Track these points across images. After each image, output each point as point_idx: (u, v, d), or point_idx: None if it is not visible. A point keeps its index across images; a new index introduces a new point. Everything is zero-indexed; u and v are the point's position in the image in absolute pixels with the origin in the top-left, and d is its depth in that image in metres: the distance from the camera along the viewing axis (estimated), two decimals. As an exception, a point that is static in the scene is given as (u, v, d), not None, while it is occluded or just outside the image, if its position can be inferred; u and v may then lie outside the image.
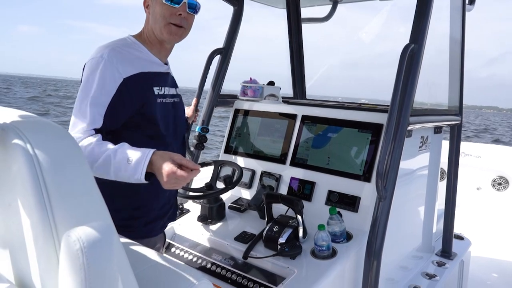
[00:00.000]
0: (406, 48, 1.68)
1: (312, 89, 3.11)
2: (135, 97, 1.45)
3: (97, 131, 1.39)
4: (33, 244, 0.75)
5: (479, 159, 4.47)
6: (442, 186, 2.46)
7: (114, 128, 1.44)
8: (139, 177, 1.24)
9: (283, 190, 2.13)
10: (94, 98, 1.39)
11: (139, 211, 1.55)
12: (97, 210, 0.78)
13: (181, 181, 1.23)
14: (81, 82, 1.44)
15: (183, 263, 1.84)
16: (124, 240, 1.07)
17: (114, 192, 1.48)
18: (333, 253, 1.67)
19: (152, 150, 1.27)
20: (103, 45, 1.47)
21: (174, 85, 1.68)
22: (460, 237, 2.71)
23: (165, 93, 1.57)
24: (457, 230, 2.70)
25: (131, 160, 1.25)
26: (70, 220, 0.73)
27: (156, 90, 1.53)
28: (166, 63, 1.64)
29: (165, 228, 1.74)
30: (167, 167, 1.22)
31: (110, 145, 1.33)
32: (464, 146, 4.57)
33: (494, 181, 4.38)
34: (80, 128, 1.37)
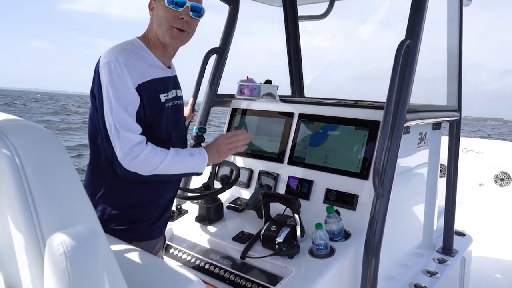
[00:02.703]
0: (401, 44, 1.66)
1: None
2: (145, 104, 1.44)
3: None
4: (20, 249, 0.74)
5: (481, 155, 4.44)
6: (443, 182, 2.44)
7: None
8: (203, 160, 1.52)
9: (281, 189, 2.12)
10: (126, 104, 1.39)
11: (143, 212, 1.55)
12: (83, 213, 0.77)
13: (240, 139, 1.60)
14: (99, 85, 1.40)
15: (176, 264, 1.83)
16: (116, 243, 1.07)
17: (119, 192, 1.49)
18: (331, 252, 1.66)
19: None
20: (116, 48, 1.43)
21: (176, 87, 1.66)
22: (461, 234, 2.69)
23: (169, 97, 1.57)
24: (459, 226, 2.67)
25: (193, 154, 1.50)
26: (55, 224, 0.72)
27: (162, 97, 1.52)
28: (170, 67, 1.62)
29: (165, 228, 1.74)
30: (223, 137, 1.59)
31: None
32: (466, 142, 4.55)
33: (496, 176, 4.35)
34: (136, 137, 1.39)
